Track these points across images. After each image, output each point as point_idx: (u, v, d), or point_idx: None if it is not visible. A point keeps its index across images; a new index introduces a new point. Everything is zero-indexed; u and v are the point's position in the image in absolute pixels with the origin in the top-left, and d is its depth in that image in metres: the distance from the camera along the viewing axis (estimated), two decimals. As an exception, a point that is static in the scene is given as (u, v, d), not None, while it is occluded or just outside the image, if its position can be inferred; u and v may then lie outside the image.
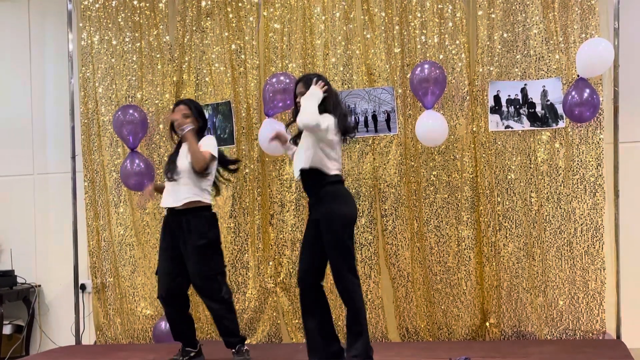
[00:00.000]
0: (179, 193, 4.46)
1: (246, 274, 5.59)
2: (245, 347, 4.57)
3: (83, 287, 5.97)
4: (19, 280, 6.13)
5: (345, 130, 4.17)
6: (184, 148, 4.53)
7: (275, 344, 5.50)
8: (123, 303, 5.80)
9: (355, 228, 5.30)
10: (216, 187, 4.71)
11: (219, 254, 4.55)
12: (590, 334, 4.98)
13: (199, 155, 4.41)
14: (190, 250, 4.42)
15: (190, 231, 4.42)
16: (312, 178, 4.15)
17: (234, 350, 4.54)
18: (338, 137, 4.14)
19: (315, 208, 4.18)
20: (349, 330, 4.11)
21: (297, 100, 4.22)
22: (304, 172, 4.17)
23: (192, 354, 4.63)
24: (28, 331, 6.17)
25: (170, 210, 4.53)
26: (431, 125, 4.96)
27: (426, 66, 4.99)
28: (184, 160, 4.49)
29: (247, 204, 5.58)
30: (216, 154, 4.52)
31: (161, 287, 4.53)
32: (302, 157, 4.17)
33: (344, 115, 4.19)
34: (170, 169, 4.51)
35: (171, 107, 5.65)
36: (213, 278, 4.46)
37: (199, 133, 4.57)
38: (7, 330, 6.07)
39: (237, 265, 5.60)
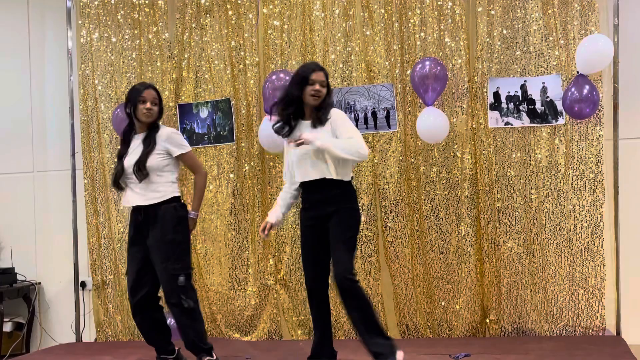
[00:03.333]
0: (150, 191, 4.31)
1: (246, 271, 5.60)
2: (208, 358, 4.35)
3: (83, 284, 5.98)
4: (19, 277, 6.13)
5: None
6: (136, 142, 4.35)
7: (275, 341, 5.51)
8: (123, 300, 5.80)
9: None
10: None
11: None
12: (590, 331, 4.98)
13: (204, 183, 4.43)
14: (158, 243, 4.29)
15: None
16: (332, 183, 4.07)
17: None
18: None
19: (327, 203, 4.07)
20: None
21: (318, 88, 4.05)
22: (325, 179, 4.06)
23: None
24: (28, 329, 6.17)
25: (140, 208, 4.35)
26: (432, 122, 4.96)
27: (427, 63, 4.99)
28: (134, 158, 4.30)
29: (247, 201, 5.58)
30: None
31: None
32: (323, 167, 4.05)
33: None
34: (140, 169, 4.25)
35: (171, 104, 5.69)
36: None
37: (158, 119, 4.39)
38: (7, 327, 6.07)
39: (237, 262, 5.60)
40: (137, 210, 4.34)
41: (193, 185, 4.53)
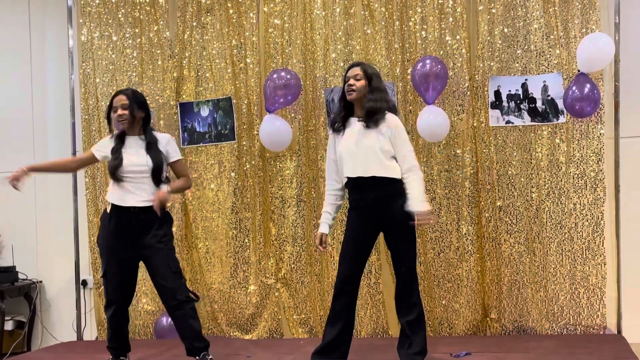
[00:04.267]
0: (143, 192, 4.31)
1: (247, 269, 5.60)
2: (210, 356, 4.35)
3: (84, 283, 5.98)
4: (20, 276, 6.14)
5: None
6: (131, 141, 4.36)
7: (276, 339, 5.51)
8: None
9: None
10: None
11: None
12: (591, 329, 4.98)
13: (186, 184, 4.50)
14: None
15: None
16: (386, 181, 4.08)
17: (197, 357, 4.33)
18: None
19: (383, 205, 4.06)
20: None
21: (350, 82, 4.07)
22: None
23: None
24: (30, 327, 6.18)
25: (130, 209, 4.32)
26: (433, 121, 4.95)
27: (428, 61, 4.98)
28: (141, 159, 4.32)
29: (249, 200, 5.58)
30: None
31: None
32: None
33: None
34: (160, 173, 4.33)
35: (172, 103, 5.69)
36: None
37: (144, 125, 4.38)
38: (8, 326, 6.08)
39: (238, 261, 5.61)
40: (127, 210, 4.28)
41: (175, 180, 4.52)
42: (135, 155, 4.30)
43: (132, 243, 4.30)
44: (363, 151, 4.04)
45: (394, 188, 4.04)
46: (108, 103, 4.43)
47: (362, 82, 4.07)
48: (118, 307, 4.37)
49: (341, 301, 4.13)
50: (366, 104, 4.06)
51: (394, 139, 4.03)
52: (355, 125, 4.12)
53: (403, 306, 4.12)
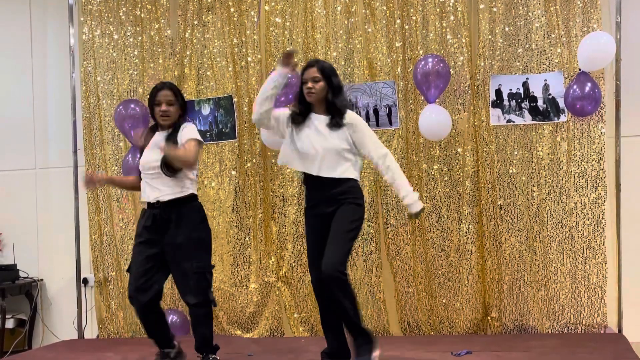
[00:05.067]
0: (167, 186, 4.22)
1: (248, 268, 5.60)
2: (214, 356, 4.29)
3: (85, 281, 5.98)
4: (21, 274, 6.14)
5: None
6: (157, 137, 4.26)
7: (277, 338, 5.51)
8: (125, 297, 5.77)
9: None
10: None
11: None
12: (592, 328, 4.98)
13: (184, 158, 4.08)
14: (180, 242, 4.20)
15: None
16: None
17: (200, 356, 4.29)
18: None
19: (337, 202, 4.05)
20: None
21: (309, 85, 4.02)
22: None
23: (171, 355, 4.43)
24: (31, 325, 6.18)
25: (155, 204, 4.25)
26: (435, 119, 4.95)
27: (430, 60, 4.98)
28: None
29: (249, 198, 5.58)
30: (200, 138, 4.25)
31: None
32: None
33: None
34: (167, 167, 4.17)
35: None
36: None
37: (181, 121, 4.29)
38: (9, 324, 6.08)
39: (239, 259, 5.61)
40: (152, 206, 4.22)
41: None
42: (153, 151, 4.20)
43: (157, 239, 4.20)
44: (325, 152, 3.99)
45: (348, 186, 4.04)
46: (150, 95, 4.29)
47: (321, 84, 4.03)
48: (140, 304, 4.23)
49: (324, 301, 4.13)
50: (331, 105, 4.04)
51: (356, 133, 4.02)
52: (316, 121, 4.06)
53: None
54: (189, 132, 4.20)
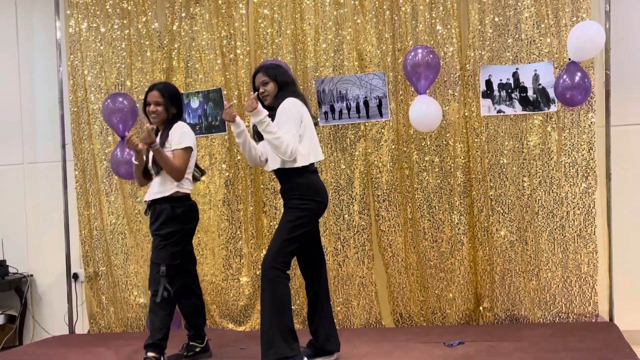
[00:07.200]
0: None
1: (240, 261, 5.59)
2: (151, 354, 4.23)
3: (75, 276, 5.95)
4: (10, 270, 6.11)
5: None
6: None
7: (269, 331, 5.50)
8: (116, 292, 5.79)
9: (347, 214, 5.34)
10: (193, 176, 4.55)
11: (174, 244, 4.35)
12: (583, 317, 5.00)
13: (171, 168, 4.26)
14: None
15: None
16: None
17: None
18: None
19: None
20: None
21: (261, 90, 4.16)
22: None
23: (197, 349, 4.53)
24: (21, 321, 6.16)
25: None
26: (425, 111, 4.94)
27: (420, 51, 4.96)
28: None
29: (240, 192, 5.57)
30: (192, 143, 4.36)
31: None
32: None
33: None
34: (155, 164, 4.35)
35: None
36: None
37: (174, 119, 4.41)
38: (0, 320, 6.06)
39: (230, 253, 5.59)
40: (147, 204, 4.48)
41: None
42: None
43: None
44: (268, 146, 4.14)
45: (294, 177, 4.10)
46: (143, 97, 4.49)
47: (271, 85, 4.17)
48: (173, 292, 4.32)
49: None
50: (275, 101, 4.18)
51: (276, 119, 4.09)
52: None
53: None
54: (177, 138, 4.31)
